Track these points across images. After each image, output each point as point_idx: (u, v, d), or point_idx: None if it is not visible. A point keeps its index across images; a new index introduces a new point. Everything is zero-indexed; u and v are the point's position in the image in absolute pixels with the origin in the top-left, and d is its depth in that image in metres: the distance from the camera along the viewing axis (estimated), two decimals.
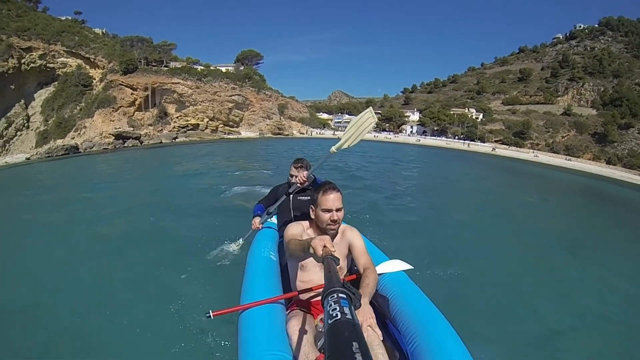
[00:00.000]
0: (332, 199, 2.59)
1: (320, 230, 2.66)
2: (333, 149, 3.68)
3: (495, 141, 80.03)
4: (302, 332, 2.19)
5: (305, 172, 3.81)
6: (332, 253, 1.70)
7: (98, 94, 59.91)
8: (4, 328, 4.69)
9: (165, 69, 65.90)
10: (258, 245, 3.68)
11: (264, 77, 76.12)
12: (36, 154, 49.46)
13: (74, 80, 60.54)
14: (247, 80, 71.69)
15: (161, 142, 58.77)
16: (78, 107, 59.26)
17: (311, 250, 1.87)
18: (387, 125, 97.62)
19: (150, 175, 20.51)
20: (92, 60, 62.43)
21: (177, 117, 66.05)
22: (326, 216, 2.59)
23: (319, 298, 2.15)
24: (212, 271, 5.53)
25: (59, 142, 53.94)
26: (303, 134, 77.37)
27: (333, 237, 2.69)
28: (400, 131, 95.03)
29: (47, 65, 59.86)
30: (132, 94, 61.50)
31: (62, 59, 60.94)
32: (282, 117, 76.05)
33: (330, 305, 1.04)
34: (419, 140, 75.02)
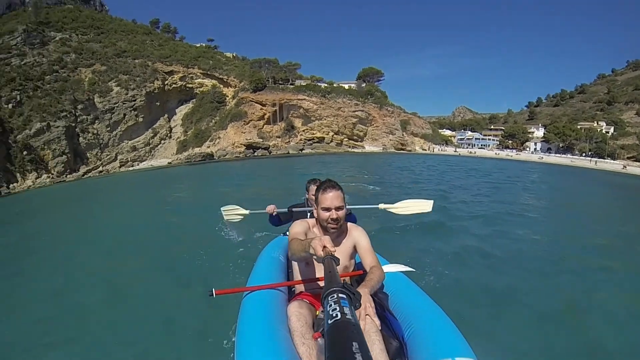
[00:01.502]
0: (330, 197, 2.48)
1: (323, 228, 2.56)
2: (382, 206, 4.39)
3: (628, 158, 66.63)
4: (302, 314, 2.12)
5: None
6: (332, 253, 1.68)
7: (231, 109, 63.02)
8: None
9: (291, 86, 66.94)
10: (270, 248, 3.68)
11: (385, 93, 72.92)
12: (177, 159, 56.73)
13: (210, 97, 65.00)
14: (369, 96, 69.35)
15: (288, 153, 60.97)
16: (213, 121, 62.95)
17: (311, 251, 1.84)
18: (510, 142, 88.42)
19: (273, 176, 23.42)
20: (225, 80, 66.52)
21: (303, 130, 65.88)
22: (325, 215, 2.48)
23: (319, 291, 2.37)
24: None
25: (197, 149, 58.77)
26: (425, 150, 72.23)
27: (335, 236, 2.58)
28: (524, 148, 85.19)
29: (187, 85, 65.60)
30: (261, 109, 63.07)
31: (199, 80, 66.25)
32: (404, 133, 71.57)
33: (330, 305, 1.01)
34: (542, 158, 65.46)
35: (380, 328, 1.99)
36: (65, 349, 4.33)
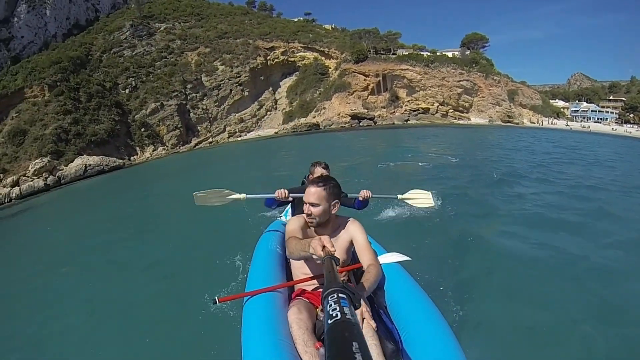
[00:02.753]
0: (309, 193, 2.47)
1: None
2: (399, 196, 4.23)
3: None
4: (302, 320, 2.11)
5: (322, 169, 3.81)
6: (332, 253, 1.68)
7: (334, 81, 60.76)
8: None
9: (394, 56, 62.72)
10: (266, 239, 3.49)
11: (491, 61, 65.32)
12: (283, 129, 58.61)
13: (312, 70, 63.46)
14: (474, 65, 62.67)
15: (393, 124, 58.08)
16: (317, 92, 61.44)
17: (311, 251, 1.85)
18: (631, 116, 75.08)
19: (380, 148, 22.80)
20: (326, 52, 64.39)
21: (407, 101, 61.53)
22: (304, 207, 2.50)
23: (318, 287, 2.44)
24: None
25: (302, 120, 58.68)
26: (534, 123, 63.50)
27: (331, 230, 2.58)
28: None
29: (288, 59, 65.10)
30: (364, 80, 60.04)
31: (300, 53, 65.08)
32: (512, 104, 63.72)
33: (331, 305, 1.00)
34: None
35: (376, 330, 1.97)
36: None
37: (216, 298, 2.40)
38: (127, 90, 55.93)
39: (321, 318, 2.20)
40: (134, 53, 61.18)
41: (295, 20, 76.94)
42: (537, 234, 6.53)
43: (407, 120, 59.30)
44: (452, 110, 62.19)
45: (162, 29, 65.78)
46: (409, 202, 4.26)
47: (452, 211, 8.06)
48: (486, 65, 64.15)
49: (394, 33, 66.60)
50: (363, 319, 1.93)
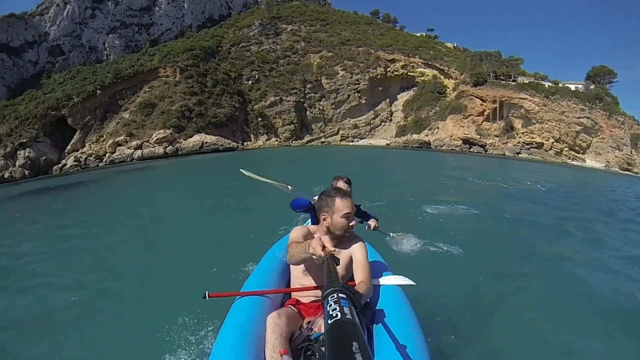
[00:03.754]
0: (349, 205, 2.46)
1: (333, 235, 2.48)
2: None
3: None
4: (279, 325, 2.06)
5: (344, 184, 3.71)
6: (332, 253, 1.65)
7: (451, 101, 58.52)
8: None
9: (513, 83, 58.76)
10: (277, 246, 3.41)
11: (617, 99, 58.27)
12: (395, 142, 57.36)
13: (430, 87, 61.68)
14: (597, 101, 56.50)
15: (504, 154, 53.72)
16: (433, 110, 59.57)
17: (311, 250, 1.81)
18: None
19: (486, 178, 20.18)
20: (445, 71, 62.25)
21: (522, 133, 56.92)
22: (345, 222, 2.44)
23: (313, 300, 2.38)
24: None
25: (415, 136, 56.64)
26: None
27: (338, 245, 2.53)
28: None
29: (408, 73, 64.07)
30: (481, 104, 56.98)
31: (419, 69, 63.62)
32: (633, 149, 57.47)
33: (331, 305, 0.99)
34: None
35: None
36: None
37: (206, 293, 2.29)
38: (250, 82, 58.87)
39: (305, 329, 2.14)
40: (260, 49, 64.36)
41: (418, 35, 75.82)
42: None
43: (518, 153, 55.04)
44: (567, 149, 56.47)
45: (288, 30, 68.27)
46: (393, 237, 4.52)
47: (488, 253, 7.06)
48: (611, 103, 57.44)
49: (515, 58, 63.11)
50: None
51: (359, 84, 60.48)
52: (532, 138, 56.56)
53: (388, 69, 62.88)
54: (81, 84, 54.50)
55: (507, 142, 56.25)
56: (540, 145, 56.53)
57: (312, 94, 59.65)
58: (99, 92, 52.09)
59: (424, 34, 77.89)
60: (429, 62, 62.76)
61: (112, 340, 4.16)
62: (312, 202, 3.68)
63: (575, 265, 6.80)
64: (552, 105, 56.23)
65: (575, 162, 54.78)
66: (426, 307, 4.03)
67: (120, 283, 5.86)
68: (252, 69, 60.21)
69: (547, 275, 6.19)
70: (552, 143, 56.24)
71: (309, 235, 2.49)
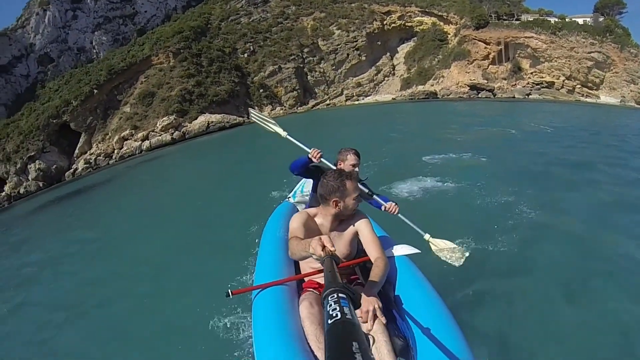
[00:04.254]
0: (355, 187, 2.47)
1: (337, 216, 2.50)
2: (427, 237, 3.47)
3: None
4: (314, 315, 2.12)
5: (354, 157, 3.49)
6: (332, 253, 1.64)
7: (453, 48, 56.37)
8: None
9: (517, 22, 56.29)
10: (273, 224, 3.53)
11: (628, 30, 55.57)
12: (400, 95, 55.69)
13: (431, 35, 59.48)
14: (607, 34, 53.74)
15: (514, 97, 52.21)
16: (436, 59, 57.50)
17: (311, 251, 1.80)
18: None
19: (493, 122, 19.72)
20: (445, 17, 59.77)
21: (531, 73, 54.84)
22: (356, 203, 2.49)
23: None
24: None
25: (420, 87, 55.07)
26: None
27: (339, 222, 2.55)
28: None
29: (406, 24, 61.75)
30: (485, 47, 54.65)
31: (417, 18, 61.19)
32: None
33: (330, 305, 0.98)
34: None
35: (386, 327, 1.99)
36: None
37: (229, 291, 2.33)
38: (245, 55, 57.46)
39: None
40: (250, 20, 62.50)
41: None
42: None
43: (528, 95, 53.20)
44: (579, 86, 54.23)
45: None
46: (434, 248, 3.39)
47: (486, 198, 7.02)
48: (622, 35, 54.70)
49: None
50: (375, 315, 1.87)
51: (356, 41, 58.69)
52: (542, 78, 54.73)
53: (385, 22, 60.79)
54: (76, 87, 53.93)
55: (515, 84, 54.50)
56: (550, 85, 54.76)
57: (311, 58, 58.04)
58: (95, 91, 51.54)
59: None
60: (426, 10, 60.34)
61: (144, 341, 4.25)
62: (310, 159, 3.40)
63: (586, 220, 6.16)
64: (560, 41, 54.03)
65: (589, 99, 53.19)
66: (433, 272, 3.57)
67: (143, 284, 5.90)
68: (245, 42, 58.68)
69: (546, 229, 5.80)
70: (563, 81, 54.31)
71: (309, 222, 2.48)
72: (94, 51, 74.54)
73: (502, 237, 5.28)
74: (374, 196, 3.52)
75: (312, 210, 2.59)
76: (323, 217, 2.52)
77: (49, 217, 19.70)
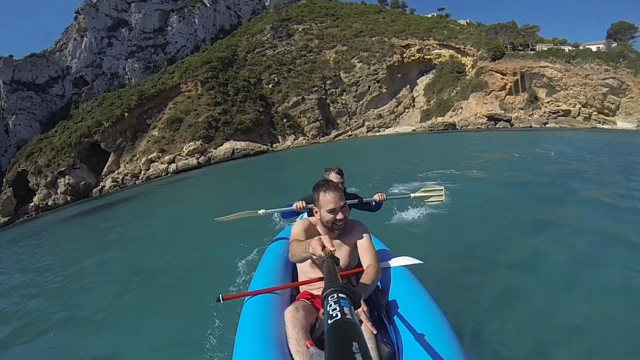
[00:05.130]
0: (334, 199, 2.37)
1: (324, 225, 2.47)
2: (412, 194, 3.98)
3: None
4: (298, 319, 2.03)
5: (336, 175, 3.63)
6: (332, 253, 1.62)
7: (471, 79, 56.24)
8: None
9: (532, 52, 55.92)
10: (276, 244, 3.43)
11: None
12: (420, 127, 55.67)
13: (449, 68, 59.47)
14: (621, 59, 53.18)
15: (531, 126, 51.13)
16: (454, 91, 57.51)
17: (310, 251, 1.78)
18: None
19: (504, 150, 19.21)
20: (462, 49, 59.97)
21: (547, 102, 54.17)
22: (331, 217, 2.38)
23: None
24: None
25: (439, 119, 54.93)
26: None
27: (338, 234, 2.52)
28: None
29: (424, 57, 62.20)
30: (502, 78, 54.32)
31: (435, 50, 61.59)
32: None
33: (330, 305, 0.97)
34: None
35: (375, 333, 1.88)
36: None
37: (220, 296, 2.32)
38: (270, 85, 58.83)
39: (322, 320, 1.95)
40: (275, 52, 64.09)
41: (429, 16, 73.41)
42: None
43: (545, 124, 52.36)
44: (595, 113, 53.30)
45: (299, 29, 67.90)
46: (422, 199, 3.97)
47: (485, 216, 7.11)
48: (636, 60, 53.71)
49: (531, 26, 59.73)
50: (361, 321, 1.80)
51: (377, 73, 59.32)
52: (558, 106, 53.79)
53: (404, 55, 61.41)
54: (108, 109, 56.15)
55: (532, 114, 53.74)
56: (567, 113, 53.71)
57: (333, 90, 59.00)
58: (126, 114, 53.69)
59: (435, 14, 75.10)
60: (444, 42, 60.73)
61: (137, 345, 4.23)
62: (294, 207, 3.57)
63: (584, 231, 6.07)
64: (575, 69, 53.30)
65: (605, 126, 51.97)
66: (436, 283, 3.85)
67: (144, 290, 6.12)
68: (270, 73, 60.13)
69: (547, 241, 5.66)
70: (580, 109, 53.43)
71: (310, 229, 2.47)
72: (127, 77, 77.14)
73: (502, 246, 5.44)
74: (363, 200, 3.74)
75: (313, 219, 2.59)
76: (320, 225, 2.51)
77: (72, 228, 20.97)
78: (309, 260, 2.32)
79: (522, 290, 4.22)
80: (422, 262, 2.64)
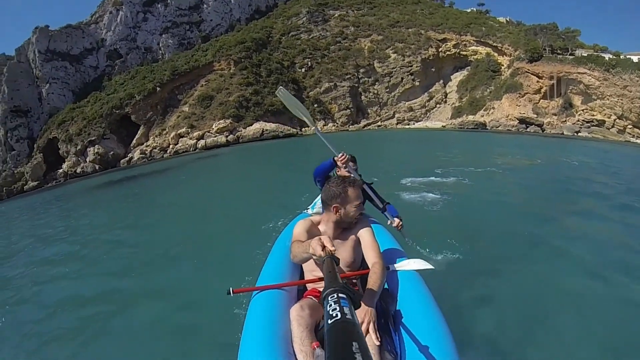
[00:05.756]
0: (360, 193, 2.43)
1: (339, 223, 2.44)
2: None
3: None
4: (303, 318, 2.00)
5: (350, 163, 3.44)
6: (332, 253, 1.61)
7: (506, 80, 54.53)
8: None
9: (571, 57, 53.68)
10: (287, 232, 3.34)
11: None
12: (450, 124, 55.03)
13: (484, 66, 57.75)
14: None
15: (562, 133, 49.43)
16: (488, 90, 55.83)
17: (310, 251, 1.77)
18: None
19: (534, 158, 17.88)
20: (499, 48, 58.04)
21: (582, 110, 52.05)
22: (357, 211, 2.40)
23: None
24: None
25: (470, 117, 53.94)
26: None
27: (342, 231, 2.48)
28: None
29: (460, 52, 60.66)
30: (537, 81, 52.39)
31: (472, 47, 59.97)
32: None
33: (330, 305, 0.96)
34: None
35: (377, 345, 1.86)
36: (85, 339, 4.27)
37: (231, 289, 2.28)
38: (303, 70, 58.61)
39: None
40: (310, 37, 63.65)
41: (468, 11, 71.06)
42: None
43: (577, 132, 50.52)
44: (630, 126, 50.87)
45: (336, 15, 66.95)
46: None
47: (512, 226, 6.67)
48: None
49: (572, 30, 57.70)
50: (367, 329, 1.85)
51: (411, 66, 58.28)
52: (593, 115, 51.89)
53: (440, 49, 59.94)
54: (141, 83, 56.89)
55: (565, 121, 51.88)
56: (601, 123, 51.76)
57: (366, 79, 58.28)
58: (158, 89, 54.30)
59: (475, 9, 72.77)
60: (482, 40, 58.79)
61: (143, 336, 4.10)
62: (335, 162, 3.34)
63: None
64: (614, 79, 50.92)
65: (639, 141, 49.79)
66: (444, 290, 3.69)
67: (152, 280, 5.81)
68: (304, 57, 59.65)
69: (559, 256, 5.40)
70: (615, 120, 51.29)
71: (312, 229, 2.43)
72: (160, 52, 77.45)
73: (513, 254, 5.32)
74: (386, 207, 3.63)
75: (316, 218, 2.55)
76: (325, 224, 2.47)
77: (94, 197, 21.85)
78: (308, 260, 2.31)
79: (534, 309, 4.04)
80: (433, 267, 2.60)
